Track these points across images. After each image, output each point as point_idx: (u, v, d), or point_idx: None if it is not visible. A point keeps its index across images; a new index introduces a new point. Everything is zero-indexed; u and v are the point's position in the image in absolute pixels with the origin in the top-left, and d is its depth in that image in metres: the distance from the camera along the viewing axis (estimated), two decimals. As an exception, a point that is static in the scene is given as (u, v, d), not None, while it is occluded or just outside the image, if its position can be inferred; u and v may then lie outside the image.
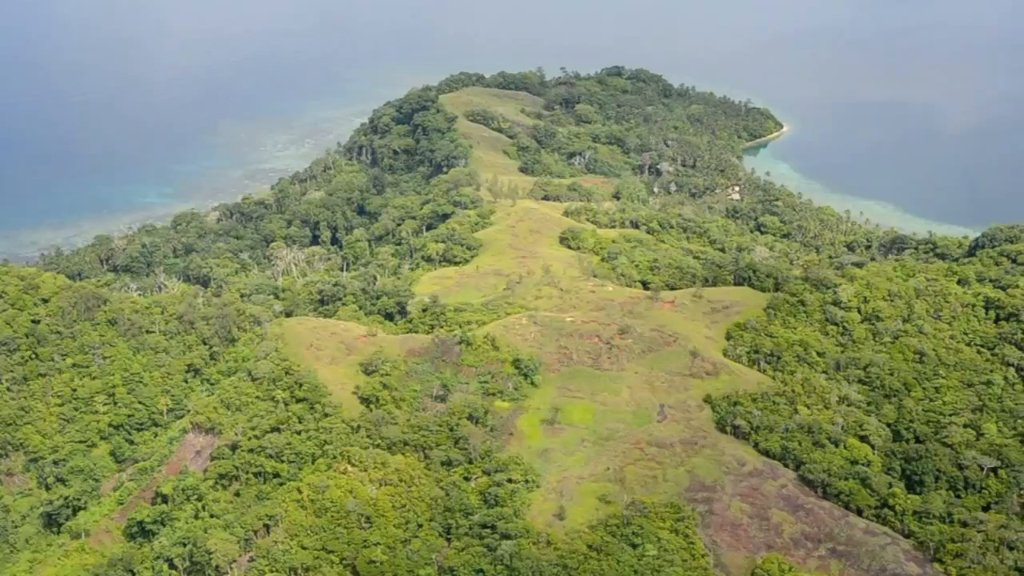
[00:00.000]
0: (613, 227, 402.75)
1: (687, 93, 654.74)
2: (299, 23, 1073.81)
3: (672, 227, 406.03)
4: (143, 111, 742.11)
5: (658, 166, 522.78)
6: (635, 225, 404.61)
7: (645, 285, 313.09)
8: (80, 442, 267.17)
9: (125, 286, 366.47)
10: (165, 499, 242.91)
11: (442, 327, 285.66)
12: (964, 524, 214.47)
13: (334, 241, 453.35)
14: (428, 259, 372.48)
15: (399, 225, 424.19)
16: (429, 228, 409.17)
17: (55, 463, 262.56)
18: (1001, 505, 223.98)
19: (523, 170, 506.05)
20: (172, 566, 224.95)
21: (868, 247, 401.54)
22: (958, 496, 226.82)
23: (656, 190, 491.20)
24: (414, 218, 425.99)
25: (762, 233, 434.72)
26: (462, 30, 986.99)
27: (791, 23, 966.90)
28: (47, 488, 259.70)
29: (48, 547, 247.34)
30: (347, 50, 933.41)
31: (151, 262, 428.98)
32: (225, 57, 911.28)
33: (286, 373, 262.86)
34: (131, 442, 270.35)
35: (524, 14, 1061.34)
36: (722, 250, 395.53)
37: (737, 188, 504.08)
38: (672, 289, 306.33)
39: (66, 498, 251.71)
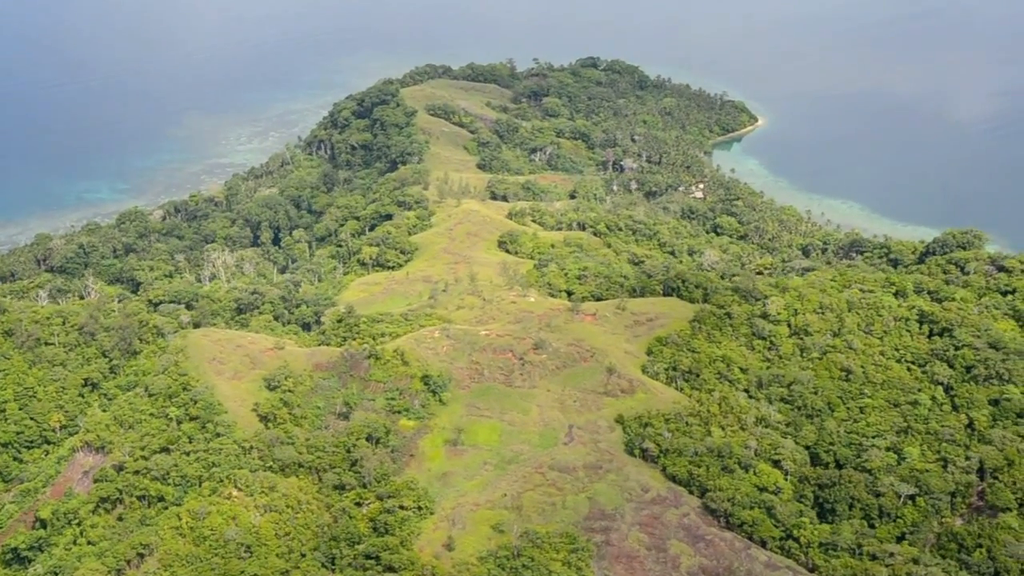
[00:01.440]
0: (559, 229, 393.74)
1: (663, 85, 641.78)
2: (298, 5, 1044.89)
3: (621, 229, 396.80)
4: (107, 102, 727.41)
5: (622, 162, 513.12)
6: (582, 227, 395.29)
7: (571, 295, 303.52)
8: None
9: (34, 291, 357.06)
10: (44, 524, 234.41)
11: (354, 339, 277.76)
12: (873, 557, 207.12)
13: (276, 242, 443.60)
14: (362, 263, 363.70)
15: (342, 226, 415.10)
16: (372, 229, 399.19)
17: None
18: (916, 536, 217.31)
19: (481, 166, 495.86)
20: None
21: (824, 250, 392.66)
22: (872, 526, 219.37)
23: (615, 188, 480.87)
24: (358, 218, 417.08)
25: (718, 234, 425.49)
26: (463, 18, 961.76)
27: (790, 8, 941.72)
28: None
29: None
30: (335, 37, 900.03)
31: (88, 263, 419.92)
32: (210, 43, 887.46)
33: (183, 389, 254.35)
34: (20, 460, 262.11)
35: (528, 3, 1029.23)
36: (672, 253, 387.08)
37: (701, 186, 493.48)
38: (598, 300, 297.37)
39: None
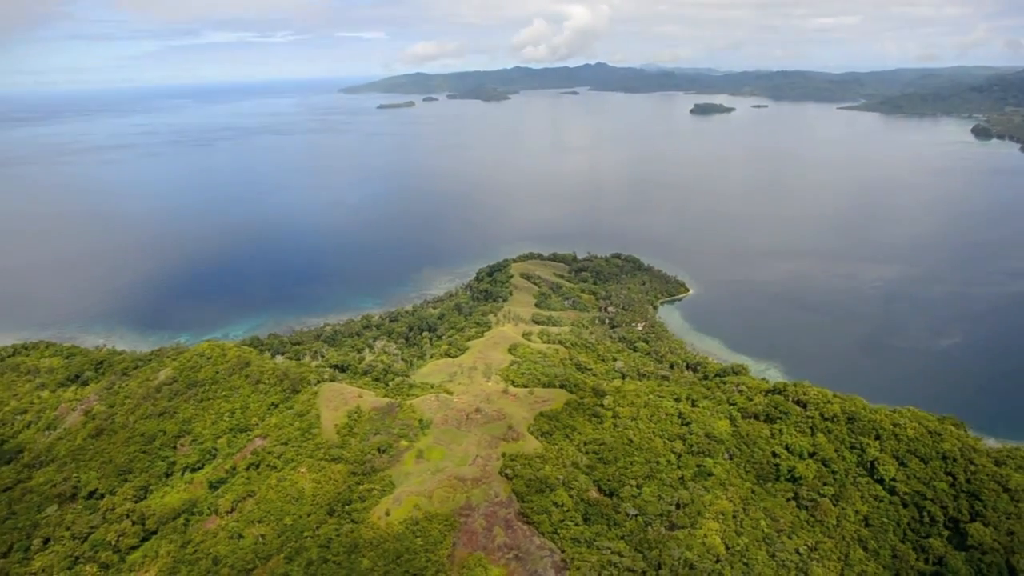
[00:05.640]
0: (549, 343, 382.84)
1: (649, 269, 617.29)
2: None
3: (578, 345, 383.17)
4: (386, 257, 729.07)
5: (608, 308, 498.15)
6: (560, 342, 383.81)
7: (514, 383, 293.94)
8: (214, 435, 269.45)
9: (305, 351, 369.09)
10: (227, 472, 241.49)
11: (398, 395, 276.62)
12: (598, 548, 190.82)
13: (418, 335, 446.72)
14: (440, 353, 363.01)
15: (447, 331, 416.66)
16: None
17: (200, 443, 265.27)
18: (629, 538, 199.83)
19: (537, 305, 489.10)
20: (211, 509, 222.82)
21: (681, 366, 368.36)
22: (610, 528, 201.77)
23: (597, 322, 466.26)
24: (457, 329, 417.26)
25: (635, 351, 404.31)
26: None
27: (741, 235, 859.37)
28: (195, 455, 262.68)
29: (177, 484, 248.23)
30: (509, 234, 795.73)
31: (335, 338, 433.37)
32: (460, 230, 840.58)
33: (307, 412, 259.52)
34: (235, 438, 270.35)
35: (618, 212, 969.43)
36: (603, 359, 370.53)
37: (643, 324, 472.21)
38: (524, 387, 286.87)
39: (189, 464, 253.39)
